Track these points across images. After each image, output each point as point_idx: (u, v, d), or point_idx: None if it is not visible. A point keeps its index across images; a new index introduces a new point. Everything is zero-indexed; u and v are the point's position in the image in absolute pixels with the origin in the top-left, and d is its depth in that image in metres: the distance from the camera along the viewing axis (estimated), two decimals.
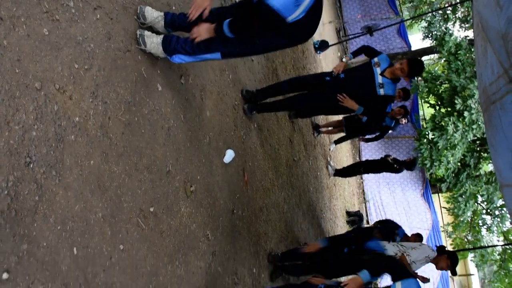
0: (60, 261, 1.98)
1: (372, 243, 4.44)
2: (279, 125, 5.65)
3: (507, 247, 12.19)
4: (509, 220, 11.29)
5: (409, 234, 5.48)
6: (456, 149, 9.75)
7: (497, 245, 10.88)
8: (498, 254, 12.21)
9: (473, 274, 15.32)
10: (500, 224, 12.08)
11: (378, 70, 4.39)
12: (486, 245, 12.37)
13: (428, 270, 9.98)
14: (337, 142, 8.76)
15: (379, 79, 4.35)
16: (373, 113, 4.67)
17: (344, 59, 4.69)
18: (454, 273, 4.79)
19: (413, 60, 4.36)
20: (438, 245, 5.17)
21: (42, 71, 2.05)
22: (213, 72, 3.96)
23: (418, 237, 5.48)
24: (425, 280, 4.70)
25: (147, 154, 2.75)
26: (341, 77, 4.44)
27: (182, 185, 3.10)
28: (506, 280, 12.16)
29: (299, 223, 5.78)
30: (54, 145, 2.04)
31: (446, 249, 4.80)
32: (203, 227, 3.30)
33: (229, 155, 3.84)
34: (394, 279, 2.68)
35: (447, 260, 4.59)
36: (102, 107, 2.42)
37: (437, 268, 4.87)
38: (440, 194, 13.03)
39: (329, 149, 8.72)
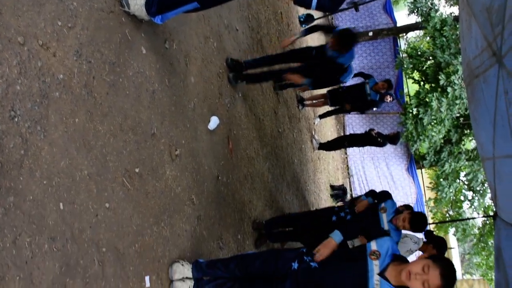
0: (47, 216, 2.01)
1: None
2: (264, 96, 5.68)
3: (487, 222, 12.51)
4: (490, 195, 11.58)
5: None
6: (442, 124, 9.88)
7: (475, 217, 11.15)
8: (478, 229, 12.53)
9: (453, 248, 15.72)
10: (481, 200, 12.37)
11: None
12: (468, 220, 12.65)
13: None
14: (322, 116, 8.82)
15: None
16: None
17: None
18: None
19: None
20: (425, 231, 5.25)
21: (25, 26, 2.04)
22: (197, 38, 3.94)
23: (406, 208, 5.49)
24: None
25: (131, 115, 2.77)
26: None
27: (167, 148, 3.12)
28: (483, 253, 12.51)
29: (284, 193, 5.86)
30: (38, 101, 2.05)
31: (433, 234, 4.88)
32: (188, 191, 3.34)
33: (213, 122, 3.87)
34: (369, 239, 2.74)
35: (433, 250, 4.69)
36: (86, 66, 2.41)
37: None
38: (422, 170, 13.26)
39: (314, 123, 8.78)
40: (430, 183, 11.95)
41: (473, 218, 10.94)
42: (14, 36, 1.96)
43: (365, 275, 2.53)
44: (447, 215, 13.10)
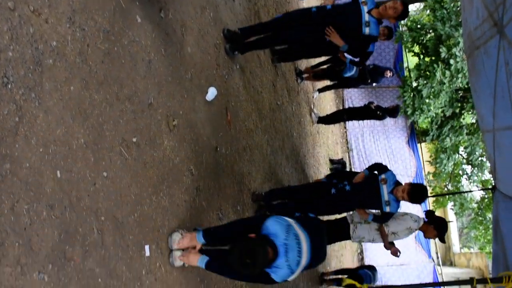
0: (44, 183, 2.00)
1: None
2: (262, 68, 5.62)
3: (485, 196, 12.58)
4: (488, 169, 11.60)
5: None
6: (440, 97, 9.83)
7: (474, 190, 11.20)
8: (476, 203, 12.62)
9: (451, 221, 15.86)
10: (479, 174, 12.42)
11: (365, 8, 4.34)
12: (466, 194, 12.72)
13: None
14: (321, 90, 8.77)
15: (366, 17, 4.31)
16: (357, 51, 4.66)
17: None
18: (443, 241, 4.91)
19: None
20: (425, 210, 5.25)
21: None
22: (193, 9, 3.88)
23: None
24: (395, 253, 4.87)
25: (128, 84, 2.74)
26: (327, 8, 4.39)
27: (164, 119, 3.10)
28: (481, 227, 12.62)
29: (283, 166, 5.86)
30: (32, 68, 2.01)
31: (435, 214, 4.88)
32: (186, 161, 3.33)
33: (211, 93, 3.83)
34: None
35: (434, 231, 4.71)
36: (80, 34, 2.37)
37: (425, 237, 5.00)
38: (422, 144, 13.26)
39: (313, 97, 8.73)
40: (430, 156, 11.98)
41: (472, 191, 11.00)
42: (3, 0, 1.92)
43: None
44: (446, 189, 13.16)
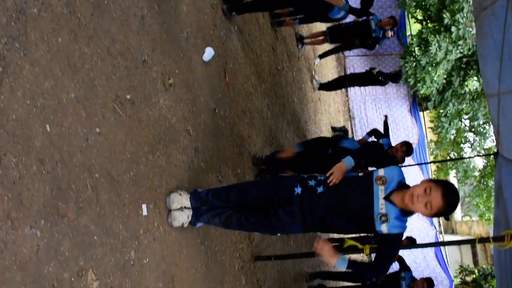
0: (33, 137, 1.93)
1: (347, 142, 4.49)
2: (261, 31, 5.48)
3: (488, 164, 12.50)
4: (491, 137, 11.50)
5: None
6: (440, 67, 9.63)
7: (477, 156, 11.11)
8: (479, 171, 12.56)
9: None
10: (482, 141, 12.32)
11: None
12: (469, 161, 12.66)
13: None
14: (321, 56, 8.61)
15: None
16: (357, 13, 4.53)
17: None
18: (447, 218, 4.92)
19: None
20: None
21: None
22: None
23: (405, 146, 5.41)
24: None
25: (120, 40, 2.63)
26: None
27: (159, 77, 3.01)
28: (484, 195, 12.59)
29: (284, 131, 5.79)
30: (15, 16, 1.91)
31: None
32: (183, 122, 3.25)
33: (208, 53, 3.72)
34: (378, 166, 2.69)
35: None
36: None
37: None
38: (425, 112, 13.12)
39: (314, 63, 8.58)
40: (432, 121, 11.86)
41: (474, 157, 10.92)
42: None
43: (371, 199, 2.52)
44: (448, 157, 13.09)
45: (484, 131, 11.20)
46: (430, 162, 11.68)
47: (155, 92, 2.93)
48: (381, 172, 2.60)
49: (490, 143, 12.52)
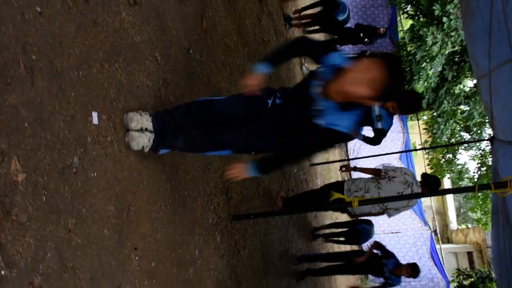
0: None
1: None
2: None
3: (482, 168, 12.24)
4: (487, 136, 11.24)
5: None
6: (435, 61, 9.45)
7: (472, 141, 10.76)
8: (473, 172, 12.29)
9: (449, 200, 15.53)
10: (477, 143, 12.09)
11: None
12: (463, 163, 12.36)
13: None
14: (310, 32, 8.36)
15: None
16: None
17: None
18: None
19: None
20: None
21: None
22: None
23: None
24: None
25: None
26: None
27: None
28: (480, 196, 12.29)
29: None
30: None
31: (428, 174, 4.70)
32: (150, 46, 2.92)
33: None
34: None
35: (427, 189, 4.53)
36: None
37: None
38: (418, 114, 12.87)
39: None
40: (426, 123, 11.60)
41: (472, 141, 10.56)
42: None
43: (306, 99, 2.20)
44: (443, 159, 12.84)
45: (480, 131, 10.95)
46: (422, 149, 11.32)
47: (116, 1, 2.61)
48: (318, 67, 2.28)
49: (484, 145, 12.32)
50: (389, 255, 5.50)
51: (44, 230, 1.85)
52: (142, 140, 2.53)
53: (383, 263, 5.38)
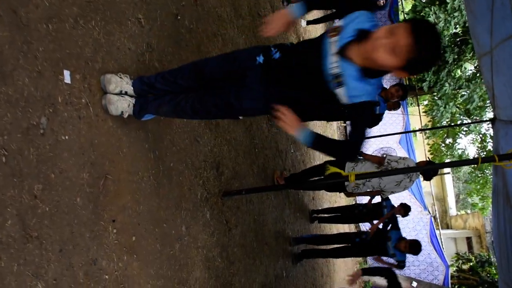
0: None
1: None
2: None
3: (483, 154, 12.09)
4: (487, 117, 11.05)
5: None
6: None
7: (474, 122, 10.56)
8: (473, 157, 12.14)
9: (448, 173, 15.25)
10: (477, 126, 11.93)
11: None
12: (463, 148, 12.22)
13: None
14: (310, 22, 8.12)
15: None
16: None
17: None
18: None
19: None
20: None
21: None
22: None
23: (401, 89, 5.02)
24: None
25: None
26: None
27: None
28: (480, 181, 12.17)
29: None
30: None
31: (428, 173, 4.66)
32: (133, 7, 2.71)
33: None
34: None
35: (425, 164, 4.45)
36: None
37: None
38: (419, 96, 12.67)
39: (301, 25, 8.05)
40: (426, 105, 11.41)
41: (472, 123, 10.38)
42: None
43: (319, 57, 1.93)
44: (443, 145, 12.69)
45: (480, 115, 10.76)
46: (421, 130, 11.12)
47: None
48: (340, 22, 2.03)
49: (484, 129, 12.17)
50: (397, 227, 5.34)
51: (4, 195, 1.67)
52: (121, 105, 2.34)
53: (388, 237, 5.21)
